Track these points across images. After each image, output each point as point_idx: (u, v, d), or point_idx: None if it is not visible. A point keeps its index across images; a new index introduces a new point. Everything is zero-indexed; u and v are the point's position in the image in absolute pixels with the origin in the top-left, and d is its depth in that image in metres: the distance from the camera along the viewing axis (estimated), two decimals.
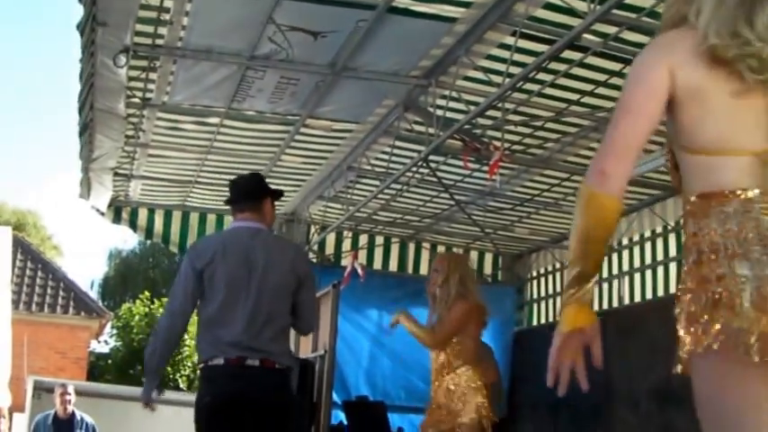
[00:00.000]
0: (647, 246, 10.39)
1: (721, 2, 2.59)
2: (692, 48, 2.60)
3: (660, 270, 10.18)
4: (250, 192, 6.03)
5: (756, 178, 2.52)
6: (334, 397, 9.30)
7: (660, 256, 10.18)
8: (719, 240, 2.52)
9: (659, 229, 10.17)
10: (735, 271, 2.47)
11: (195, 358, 27.61)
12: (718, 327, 2.46)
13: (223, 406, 5.49)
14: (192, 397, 16.03)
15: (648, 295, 10.28)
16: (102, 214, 11.28)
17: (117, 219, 11.56)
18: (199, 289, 5.69)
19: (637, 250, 10.57)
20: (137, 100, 8.01)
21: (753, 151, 2.55)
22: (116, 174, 10.00)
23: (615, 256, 10.89)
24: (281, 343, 5.73)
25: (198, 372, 5.75)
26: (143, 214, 11.60)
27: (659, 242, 10.23)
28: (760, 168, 2.53)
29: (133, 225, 11.65)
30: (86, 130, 8.45)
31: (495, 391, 9.44)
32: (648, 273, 10.35)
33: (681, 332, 2.59)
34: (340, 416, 9.89)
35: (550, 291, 12.16)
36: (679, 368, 2.64)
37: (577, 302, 2.73)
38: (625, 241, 10.69)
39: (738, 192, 2.53)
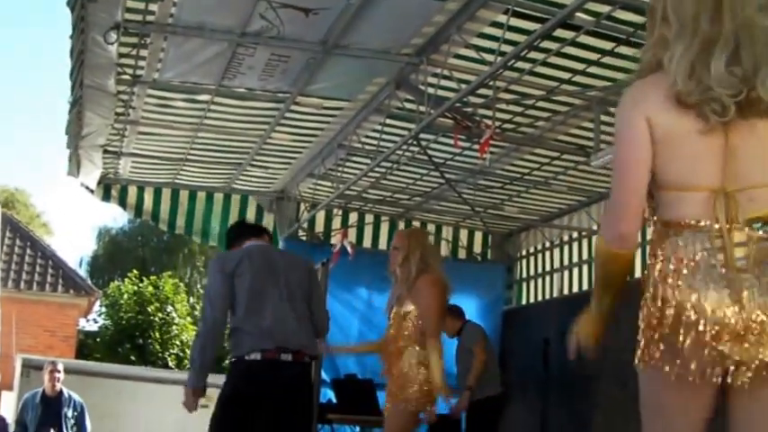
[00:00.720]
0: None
1: (687, 49, 2.84)
2: (665, 92, 2.88)
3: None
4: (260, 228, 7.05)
5: (710, 211, 2.85)
6: (323, 375, 9.32)
7: (650, 235, 10.18)
8: (671, 266, 2.87)
9: None
10: (680, 296, 2.83)
11: (184, 337, 27.74)
12: (662, 345, 2.86)
13: (258, 398, 5.77)
14: (180, 375, 16.06)
15: (638, 273, 10.27)
16: (92, 192, 11.24)
17: (106, 196, 11.55)
18: (232, 290, 5.94)
19: None
20: (127, 77, 7.98)
21: (709, 188, 2.86)
22: (105, 151, 9.97)
23: None
24: (311, 336, 6.11)
25: (229, 364, 5.98)
26: (132, 192, 11.58)
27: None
28: (714, 202, 2.85)
29: (123, 203, 11.64)
30: (76, 106, 8.42)
31: (489, 370, 9.53)
32: (638, 251, 10.36)
33: (639, 335, 2.98)
34: (329, 394, 9.91)
35: (540, 269, 12.19)
36: (636, 361, 3.01)
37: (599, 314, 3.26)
38: None
39: (692, 222, 2.87)
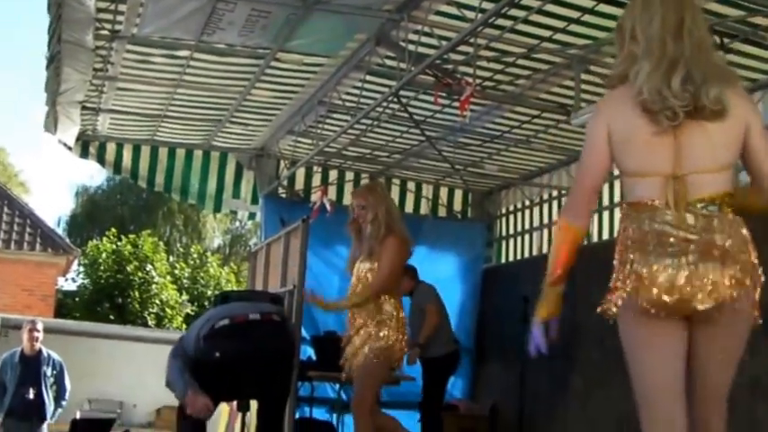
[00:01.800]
0: (616, 183, 10.45)
1: (655, 68, 3.58)
2: (630, 101, 3.62)
3: None
4: None
5: (663, 193, 3.58)
6: (303, 332, 9.33)
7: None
8: (634, 236, 3.61)
9: None
10: (639, 258, 3.58)
11: (163, 296, 27.78)
12: (626, 291, 3.62)
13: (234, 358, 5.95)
14: (160, 334, 16.08)
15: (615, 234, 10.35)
16: (70, 149, 11.17)
17: (84, 153, 11.49)
18: None
19: (606, 188, 10.61)
20: (105, 32, 7.92)
21: (662, 173, 3.59)
22: (84, 107, 9.90)
23: None
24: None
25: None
26: (111, 149, 11.53)
27: None
28: (666, 186, 3.57)
29: (101, 160, 11.58)
30: (54, 62, 8.35)
31: (440, 329, 9.69)
32: (617, 210, 10.41)
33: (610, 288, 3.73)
34: (309, 351, 9.94)
35: (519, 228, 12.23)
36: (601, 309, 3.75)
37: (554, 295, 3.91)
38: None
39: (649, 202, 3.59)
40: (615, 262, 3.70)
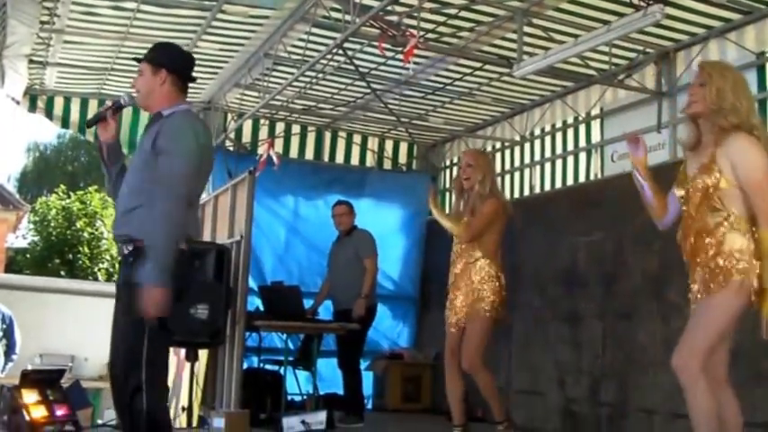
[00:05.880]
0: (559, 135, 10.63)
1: None
2: None
3: (570, 159, 10.43)
4: None
5: None
6: (251, 283, 9.42)
7: (570, 146, 10.42)
8: None
9: (570, 120, 10.40)
10: None
11: (113, 252, 27.73)
12: None
13: None
14: (107, 287, 16.02)
15: (559, 183, 10.54)
16: (18, 103, 11.12)
17: (33, 107, 11.43)
18: None
19: (548, 140, 10.81)
20: None
21: None
22: (31, 61, 9.90)
23: (528, 146, 11.12)
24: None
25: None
26: (59, 103, 11.48)
27: (570, 132, 10.47)
28: None
29: (49, 114, 11.53)
30: None
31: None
32: (559, 162, 10.60)
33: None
34: (256, 302, 10.02)
35: None
36: None
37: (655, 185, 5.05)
38: (537, 131, 10.91)
39: None
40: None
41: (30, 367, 12.30)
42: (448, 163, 12.80)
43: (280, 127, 12.08)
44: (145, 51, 5.44)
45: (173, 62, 5.42)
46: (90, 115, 11.37)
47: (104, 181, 5.64)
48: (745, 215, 4.48)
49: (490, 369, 7.36)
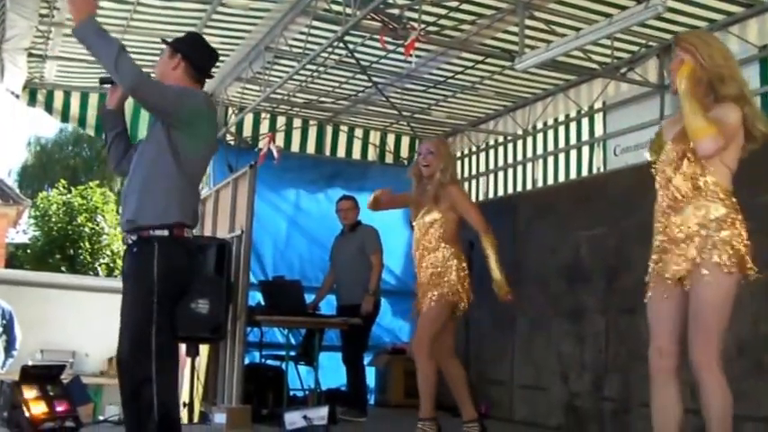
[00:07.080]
0: (561, 129, 10.59)
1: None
2: None
3: (572, 153, 10.40)
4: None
5: None
6: (251, 278, 9.39)
7: (573, 140, 10.39)
8: None
9: (573, 114, 10.37)
10: None
11: (114, 247, 27.71)
12: None
13: None
14: (109, 282, 15.97)
15: (561, 178, 10.51)
16: (17, 97, 11.09)
17: (32, 101, 11.38)
18: None
19: (551, 133, 10.77)
20: None
21: None
22: (30, 54, 9.85)
23: (530, 140, 11.08)
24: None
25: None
26: (59, 96, 11.42)
27: (572, 126, 10.43)
28: None
29: (49, 108, 11.47)
30: None
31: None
32: (561, 156, 10.56)
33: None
34: (257, 297, 9.99)
35: (466, 173, 12.36)
36: None
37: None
38: (539, 125, 10.87)
39: None
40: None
41: (30, 363, 12.30)
42: None
43: (281, 121, 12.04)
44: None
45: (190, 50, 5.46)
46: (90, 108, 11.37)
47: (105, 169, 5.67)
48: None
49: (458, 362, 7.37)
